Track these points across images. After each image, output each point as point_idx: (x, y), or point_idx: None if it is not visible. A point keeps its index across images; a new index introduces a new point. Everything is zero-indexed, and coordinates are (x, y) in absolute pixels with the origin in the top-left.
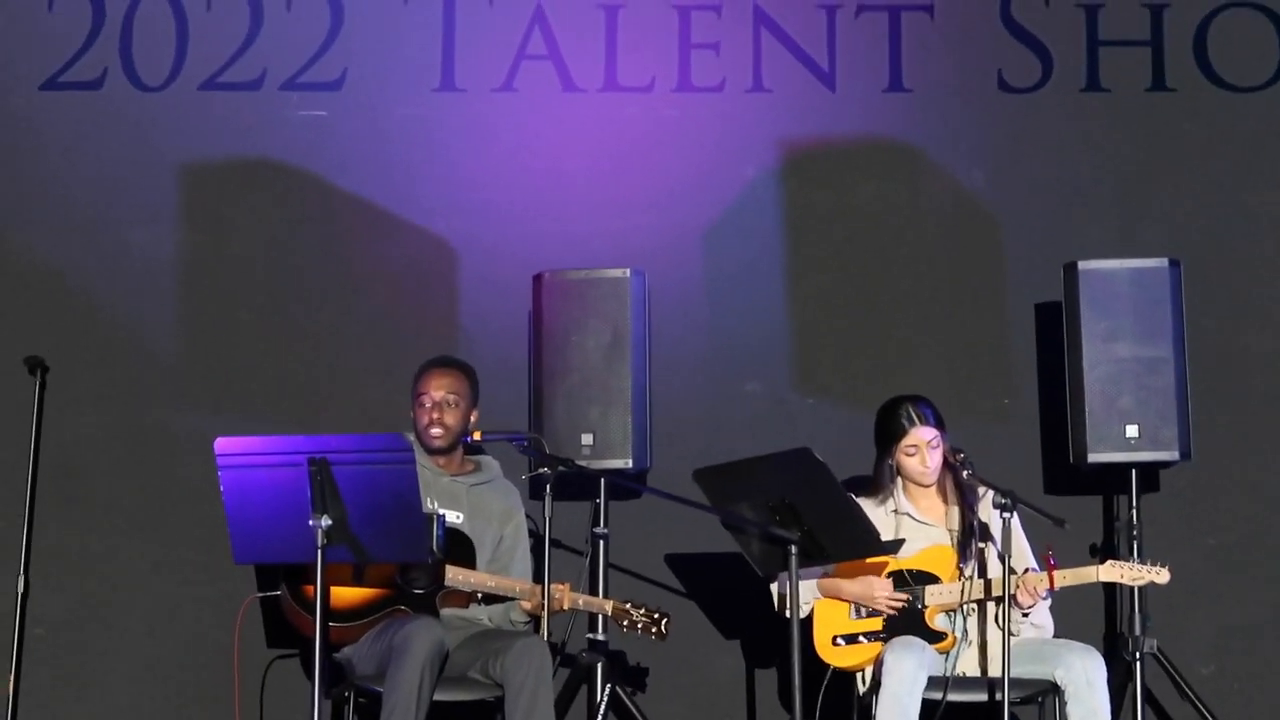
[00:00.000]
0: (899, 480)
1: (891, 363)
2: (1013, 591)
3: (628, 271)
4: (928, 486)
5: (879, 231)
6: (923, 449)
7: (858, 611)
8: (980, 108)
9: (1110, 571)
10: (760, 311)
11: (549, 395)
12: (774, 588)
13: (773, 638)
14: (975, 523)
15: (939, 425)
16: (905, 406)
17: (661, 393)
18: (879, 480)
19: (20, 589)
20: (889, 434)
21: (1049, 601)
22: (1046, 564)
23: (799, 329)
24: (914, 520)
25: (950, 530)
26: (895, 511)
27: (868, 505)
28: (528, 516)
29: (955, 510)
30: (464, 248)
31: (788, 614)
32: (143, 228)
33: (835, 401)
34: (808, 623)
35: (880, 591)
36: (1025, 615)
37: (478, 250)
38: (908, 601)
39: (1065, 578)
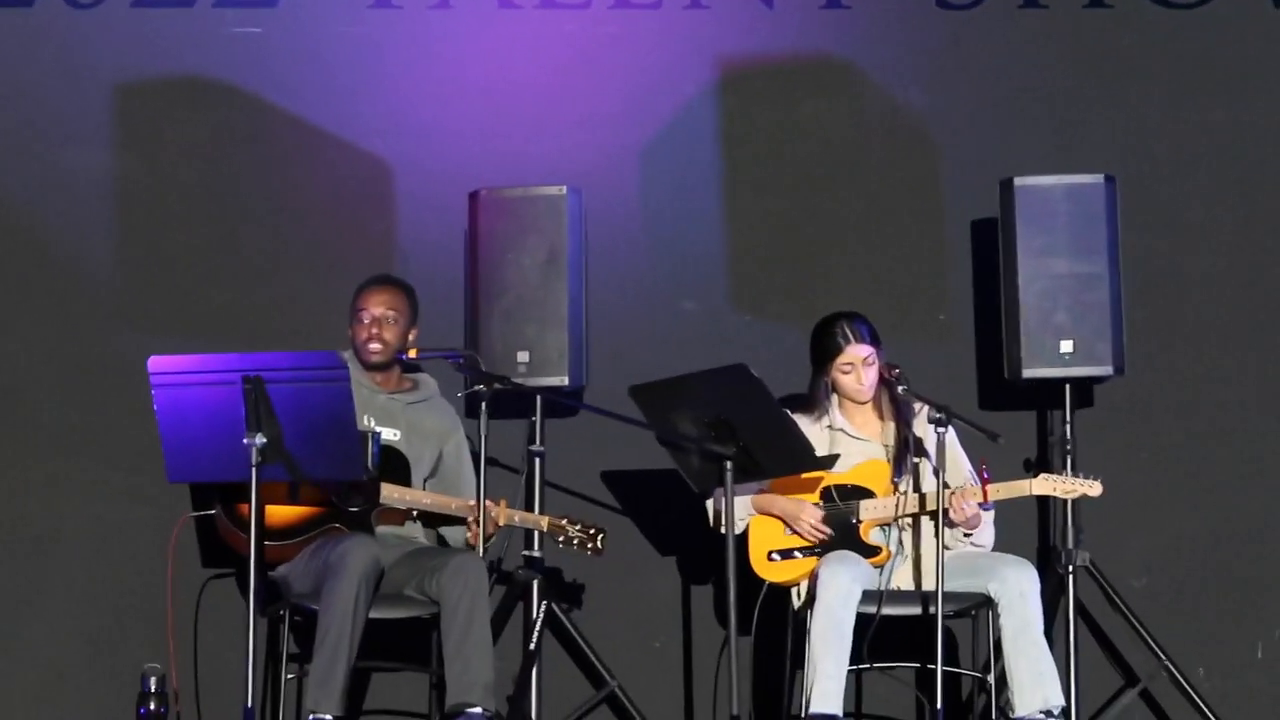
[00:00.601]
0: (834, 397)
1: (828, 280)
2: (946, 505)
3: (564, 189)
4: (864, 404)
5: (816, 149)
6: (858, 366)
7: (795, 529)
8: (918, 24)
9: (1043, 485)
10: (697, 229)
11: (485, 313)
12: (709, 504)
13: (708, 554)
14: (910, 438)
15: (874, 342)
16: (840, 324)
17: (598, 310)
18: (814, 397)
19: None
20: (824, 351)
21: (991, 514)
22: (980, 477)
23: (736, 247)
24: (849, 436)
25: (886, 445)
26: (830, 428)
27: (803, 422)
28: (468, 436)
29: (891, 426)
30: (400, 166)
31: (723, 530)
32: (75, 147)
33: (771, 319)
34: (743, 539)
35: (808, 517)
36: (967, 535)
37: (414, 168)
38: (829, 537)
39: (998, 491)
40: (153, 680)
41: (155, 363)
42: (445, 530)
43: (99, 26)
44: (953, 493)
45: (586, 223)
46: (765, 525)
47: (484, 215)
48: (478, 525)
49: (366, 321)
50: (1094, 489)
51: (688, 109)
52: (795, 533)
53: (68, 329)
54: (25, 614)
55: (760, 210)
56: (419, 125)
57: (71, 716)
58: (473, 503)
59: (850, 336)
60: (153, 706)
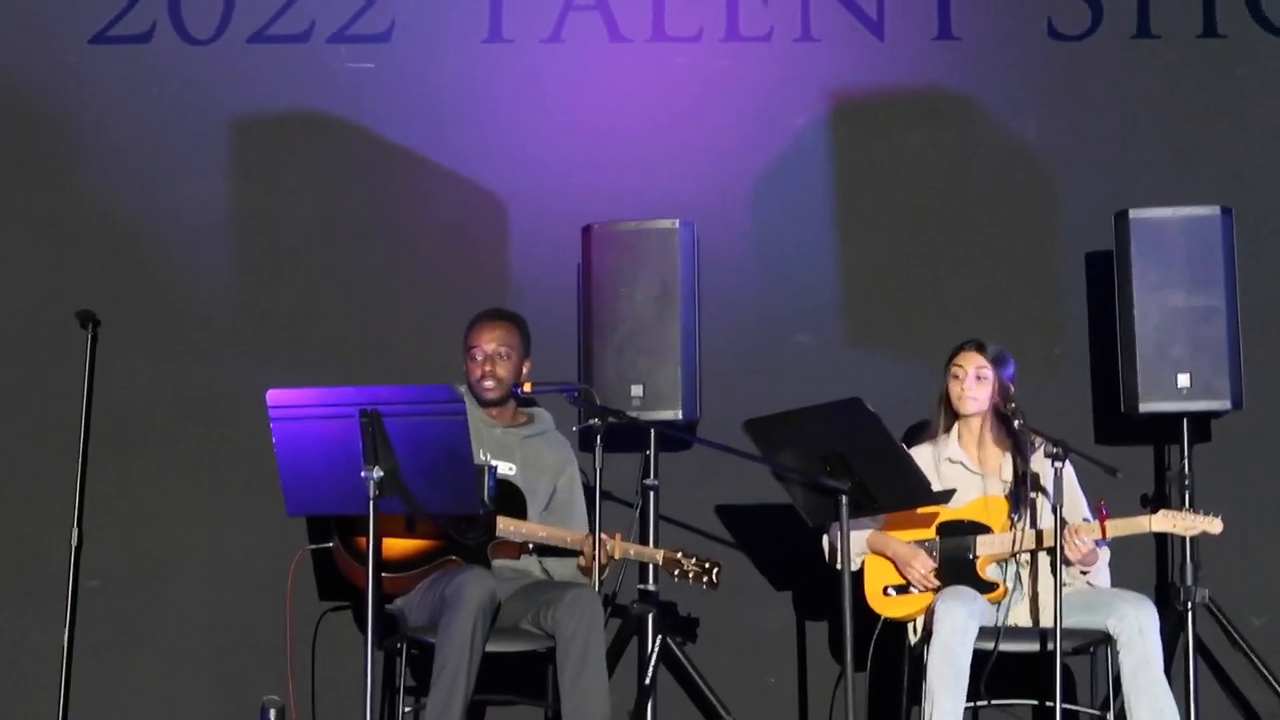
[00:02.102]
0: (954, 429)
1: (941, 313)
2: (1063, 541)
3: (677, 222)
4: (967, 417)
5: (929, 181)
6: (966, 372)
7: (905, 576)
8: (1030, 55)
9: (1163, 521)
10: (809, 262)
11: (598, 347)
12: (825, 539)
13: (823, 589)
14: (1027, 473)
15: (995, 363)
16: (973, 340)
17: (711, 344)
18: (934, 417)
19: (74, 542)
20: (949, 358)
21: (1107, 554)
22: (1099, 513)
23: (848, 279)
24: (967, 469)
25: (1004, 480)
26: (949, 460)
27: (922, 452)
28: (580, 470)
29: (1009, 460)
30: (513, 200)
31: (838, 565)
32: (193, 182)
33: (884, 352)
34: (859, 573)
35: (920, 565)
36: (1084, 573)
37: (527, 202)
38: (938, 588)
39: (1117, 528)
40: (272, 712)
41: (274, 396)
42: (550, 563)
43: (215, 62)
44: (1073, 529)
45: (699, 256)
46: (882, 560)
47: (597, 249)
48: (591, 557)
49: (480, 359)
50: (1214, 526)
51: (799, 141)
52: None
53: (186, 362)
54: (144, 645)
55: (873, 243)
56: (532, 159)
57: None
58: (587, 536)
59: (969, 345)
60: None
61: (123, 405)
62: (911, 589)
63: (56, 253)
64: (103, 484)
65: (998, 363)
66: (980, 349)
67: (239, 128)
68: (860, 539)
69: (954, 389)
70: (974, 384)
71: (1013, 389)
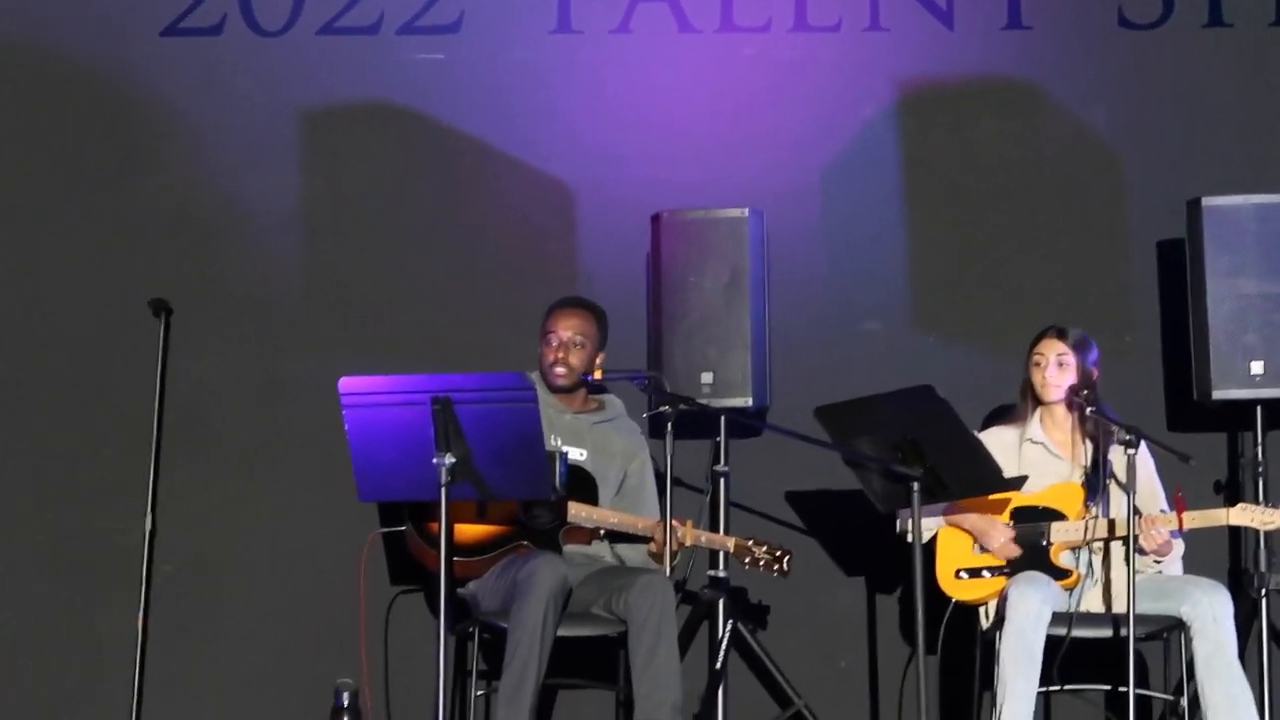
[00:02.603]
0: (1037, 411)
1: (1011, 301)
2: (1138, 531)
3: (746, 211)
4: (1050, 403)
5: (998, 170)
6: (1048, 359)
7: (982, 546)
8: (1100, 44)
9: (1240, 515)
10: (879, 250)
11: (668, 335)
12: (899, 517)
13: (894, 573)
14: (1103, 460)
15: (1077, 349)
16: (1055, 326)
17: (780, 332)
18: (1020, 403)
19: (148, 528)
20: (1030, 346)
21: (1181, 546)
22: (1176, 504)
23: (918, 267)
24: (1047, 451)
25: (1082, 467)
26: (1030, 440)
27: (1003, 431)
28: (651, 456)
29: (1087, 447)
30: (581, 190)
31: (909, 538)
32: (263, 172)
33: (954, 340)
34: (930, 555)
35: (999, 535)
36: (1157, 563)
37: (596, 192)
38: (1019, 557)
39: (1194, 519)
40: (345, 695)
41: (346, 384)
42: (622, 548)
43: (286, 53)
44: (1149, 520)
45: (768, 244)
46: (954, 543)
47: (666, 238)
48: (662, 543)
49: (554, 345)
50: None
51: (868, 130)
52: (984, 551)
53: (257, 351)
54: (218, 630)
55: (942, 231)
56: (600, 149)
57: None
58: (658, 522)
59: (1051, 332)
60: None
61: (195, 393)
62: (984, 573)
63: (130, 243)
64: (176, 471)
65: (1079, 348)
66: (1061, 335)
67: (309, 119)
68: (936, 514)
69: (1036, 377)
70: (1055, 371)
71: (1096, 374)
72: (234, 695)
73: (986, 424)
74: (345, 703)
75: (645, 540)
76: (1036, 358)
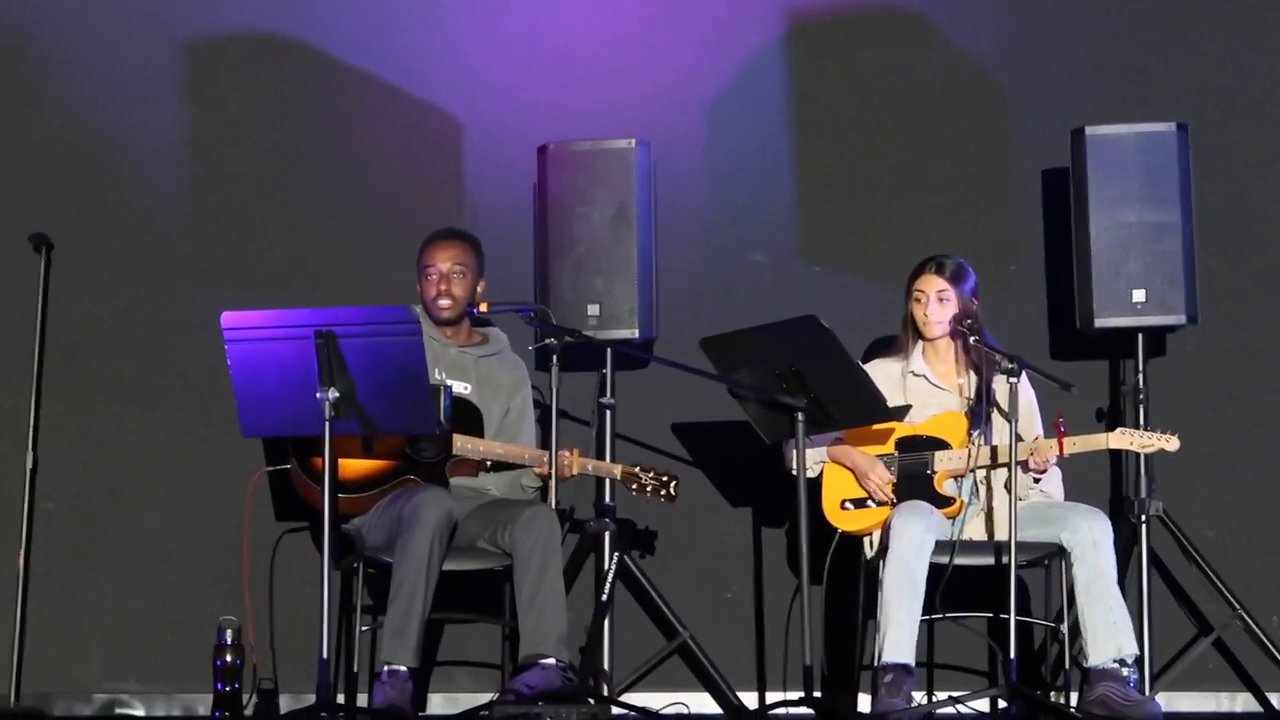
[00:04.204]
0: (919, 344)
1: (897, 231)
2: (1022, 458)
3: (633, 142)
4: (932, 340)
5: (885, 100)
6: (928, 296)
7: (862, 485)
8: None
9: (1120, 439)
10: (766, 182)
11: (555, 267)
12: (786, 449)
13: (780, 503)
14: (986, 389)
15: (954, 281)
16: (933, 258)
17: (667, 263)
18: (901, 336)
19: (29, 465)
20: (909, 281)
21: (1059, 472)
22: (1056, 431)
23: (804, 198)
24: (929, 383)
25: (965, 397)
26: (912, 373)
27: (885, 364)
28: (534, 388)
29: (970, 377)
30: (469, 121)
31: (795, 475)
32: (148, 105)
33: (841, 270)
34: (816, 487)
35: (876, 476)
36: (1036, 482)
37: (483, 124)
38: (892, 498)
39: (1075, 444)
40: (229, 632)
41: (229, 318)
42: (488, 478)
43: None
44: (1033, 449)
45: (655, 176)
46: (838, 474)
47: (553, 169)
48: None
49: (435, 278)
50: (1171, 444)
51: (755, 61)
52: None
53: (141, 285)
54: (101, 569)
55: (828, 162)
56: (488, 81)
57: (149, 669)
58: (542, 452)
59: (929, 268)
60: (229, 659)
61: (77, 329)
62: (868, 503)
63: (9, 176)
64: (58, 408)
65: (956, 280)
66: (939, 270)
67: (194, 50)
68: (820, 450)
69: (917, 313)
70: (936, 307)
71: (975, 304)
72: (117, 634)
73: (868, 356)
74: (228, 640)
75: (513, 468)
76: (916, 294)
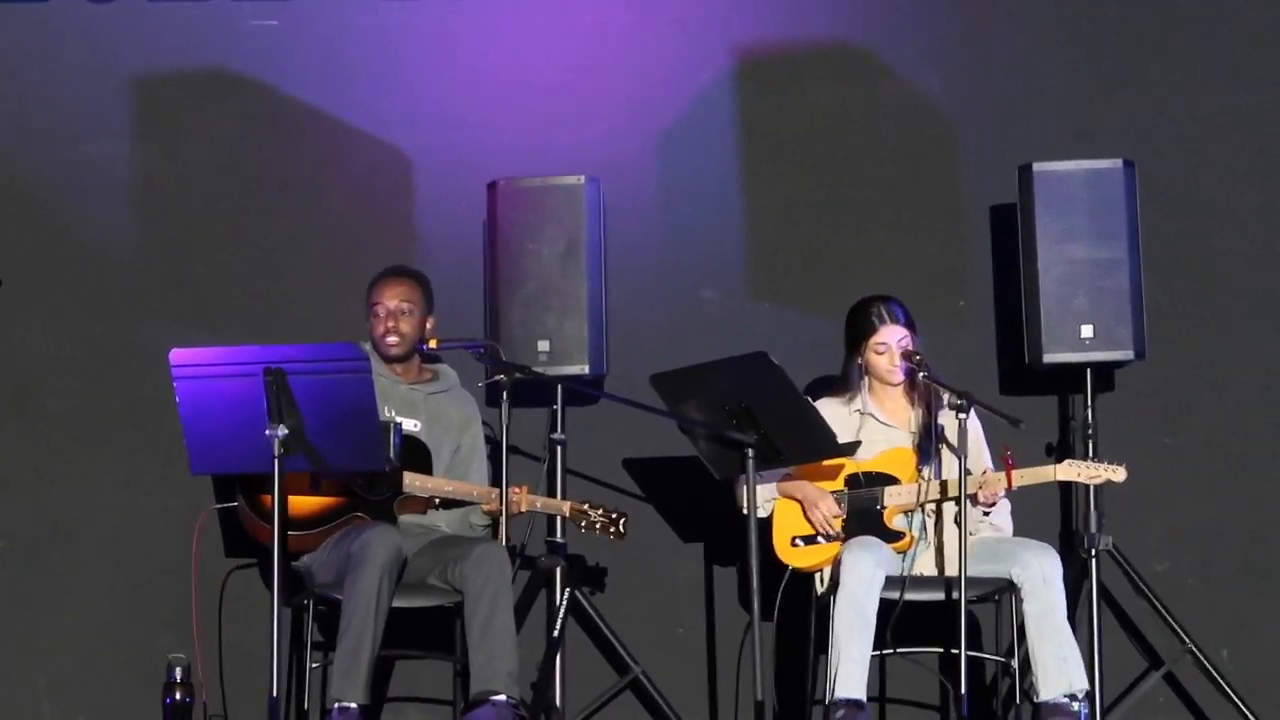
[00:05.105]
0: (866, 380)
1: (847, 267)
2: (971, 492)
3: (582, 179)
4: (895, 385)
5: (835, 136)
6: (892, 348)
7: (809, 518)
8: (935, 9)
9: (1067, 471)
10: (716, 218)
11: (505, 303)
12: (737, 487)
13: (732, 540)
14: (934, 425)
15: (909, 325)
16: (877, 306)
17: (618, 300)
18: (847, 379)
19: None
20: (859, 332)
21: (1008, 505)
22: (1004, 464)
23: (754, 234)
24: (877, 421)
25: (912, 433)
26: (860, 412)
27: (834, 404)
28: (485, 424)
29: (918, 413)
30: (419, 157)
31: (746, 514)
32: (96, 140)
33: (791, 306)
34: (767, 524)
35: (824, 509)
36: (986, 515)
37: (433, 159)
38: (840, 533)
39: (1023, 477)
40: (178, 670)
41: (177, 355)
42: (439, 515)
43: (116, 20)
44: (981, 483)
45: (605, 212)
46: (789, 511)
47: (503, 205)
48: (489, 502)
49: (382, 315)
50: (1118, 474)
51: (705, 97)
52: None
53: (89, 320)
54: (49, 605)
55: (778, 198)
56: (437, 116)
57: (97, 707)
58: (492, 490)
59: (885, 317)
60: (178, 696)
61: (25, 365)
62: (819, 539)
63: None
64: (6, 444)
65: (911, 324)
66: (894, 319)
67: (141, 86)
68: (770, 486)
69: (880, 365)
70: (899, 356)
71: (916, 340)
72: (66, 671)
73: (811, 394)
74: (178, 677)
75: (463, 505)
76: (877, 347)
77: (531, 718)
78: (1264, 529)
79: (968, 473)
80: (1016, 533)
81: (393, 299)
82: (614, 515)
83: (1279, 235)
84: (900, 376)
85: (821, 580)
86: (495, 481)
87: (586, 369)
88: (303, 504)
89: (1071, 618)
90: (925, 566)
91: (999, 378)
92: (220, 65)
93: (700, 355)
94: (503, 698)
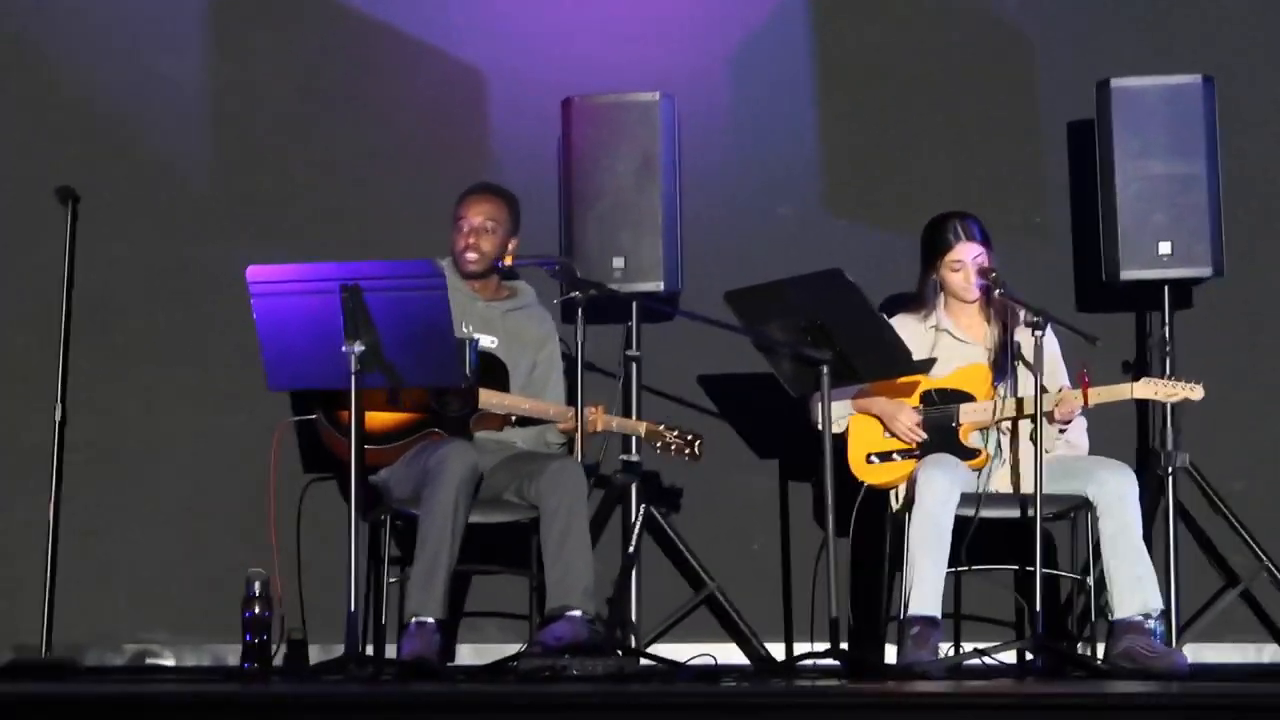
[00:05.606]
0: (942, 296)
1: (923, 184)
2: (1047, 409)
3: (657, 95)
4: (970, 302)
5: (910, 51)
6: (967, 264)
7: (891, 430)
8: None
9: (1145, 388)
10: (790, 134)
11: (580, 220)
12: (812, 404)
13: (806, 457)
14: (1010, 342)
15: (985, 242)
16: (953, 222)
17: (692, 216)
18: (923, 295)
19: (58, 416)
20: (935, 249)
21: (1084, 423)
22: (1081, 381)
23: (829, 151)
24: (953, 338)
25: (989, 349)
26: (936, 328)
27: (909, 321)
28: (560, 341)
29: (994, 329)
30: (493, 73)
31: (820, 426)
32: (172, 57)
33: (867, 223)
34: (842, 441)
35: (905, 419)
36: (1062, 432)
37: (507, 76)
38: (925, 440)
39: (1099, 395)
40: (257, 584)
41: (254, 272)
42: (515, 432)
43: None
44: (1057, 400)
45: (680, 128)
46: (864, 427)
47: (577, 122)
48: (574, 428)
49: (465, 230)
50: (1196, 393)
51: (780, 13)
52: (894, 435)
53: (165, 237)
54: (130, 521)
55: (854, 114)
56: (512, 32)
57: (178, 621)
58: (568, 409)
59: (961, 234)
60: (257, 610)
61: (104, 282)
62: (894, 456)
63: (35, 130)
64: (85, 359)
65: (987, 241)
66: (969, 235)
67: (216, 4)
68: (845, 401)
69: (956, 280)
70: (975, 273)
71: (992, 256)
72: (146, 585)
73: (886, 311)
74: (257, 591)
75: (542, 423)
76: (953, 264)
77: (607, 633)
78: None
79: (1044, 390)
80: (1092, 451)
81: (478, 215)
82: (689, 437)
83: None
84: (976, 293)
85: (897, 497)
86: (571, 399)
87: (661, 286)
88: (380, 419)
89: (1147, 536)
90: (1000, 484)
91: (1076, 295)
92: None
93: (775, 272)
94: (578, 613)
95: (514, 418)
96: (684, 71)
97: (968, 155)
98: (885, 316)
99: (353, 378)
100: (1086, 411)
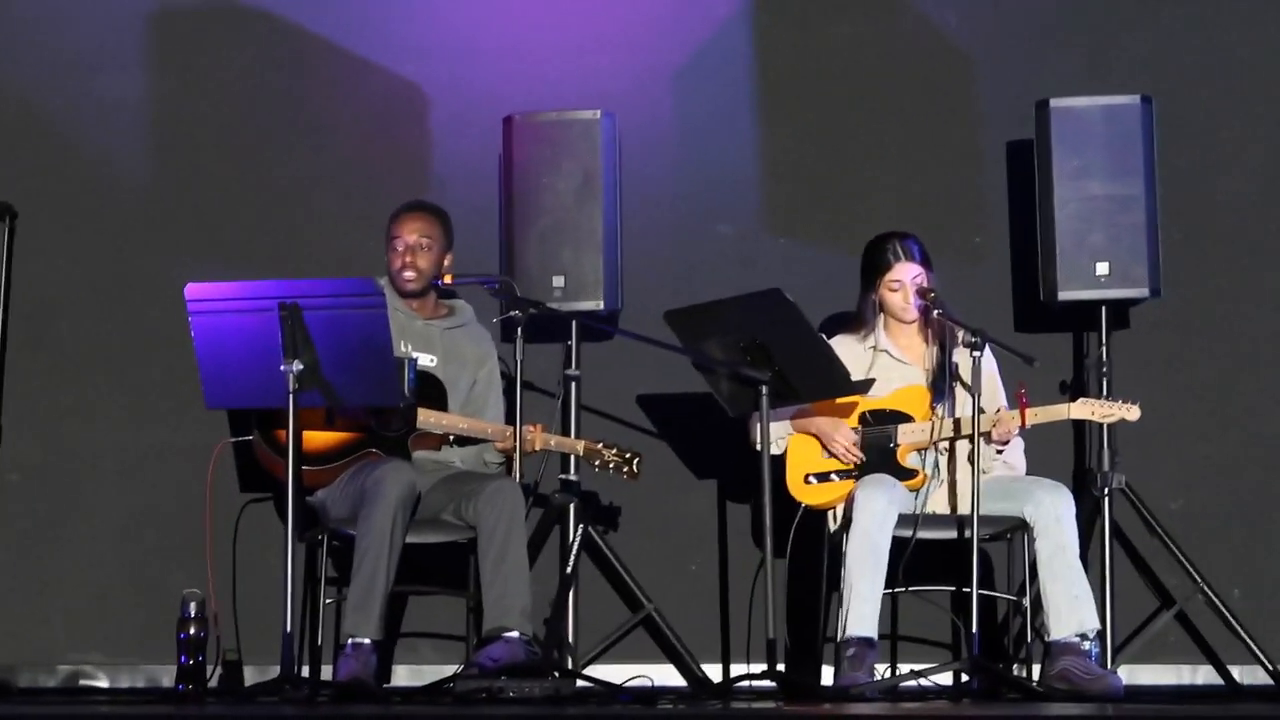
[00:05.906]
0: (881, 317)
1: (862, 203)
2: (984, 430)
3: (599, 113)
4: (909, 323)
5: (850, 71)
6: (906, 284)
7: (830, 450)
8: None
9: (1081, 409)
10: (731, 153)
11: (520, 238)
12: (751, 424)
13: (745, 477)
14: (948, 362)
15: (925, 263)
16: (893, 242)
17: (632, 235)
18: (862, 315)
19: None
20: (874, 268)
21: (1022, 443)
22: (1018, 402)
23: (770, 170)
24: (892, 358)
25: (927, 370)
26: (875, 348)
27: (848, 341)
28: (500, 359)
29: (933, 350)
30: (435, 91)
31: (759, 447)
32: (113, 73)
33: (806, 242)
34: (780, 461)
35: (843, 439)
36: (999, 453)
37: (448, 93)
38: (862, 460)
39: (1037, 415)
40: (192, 605)
41: (193, 290)
42: (455, 451)
43: None
44: (995, 421)
45: (621, 147)
46: (803, 448)
47: (518, 140)
48: (503, 441)
49: (401, 249)
50: (1132, 413)
51: (721, 30)
52: (832, 455)
53: (104, 254)
54: (65, 540)
55: (794, 133)
56: (453, 50)
57: (112, 642)
58: (506, 428)
59: (900, 254)
60: (193, 631)
61: (40, 298)
62: (832, 476)
63: None
64: (20, 377)
65: (927, 261)
66: (909, 256)
67: (157, 20)
68: (784, 425)
69: (895, 301)
70: (914, 293)
71: (931, 277)
72: (81, 605)
73: (825, 331)
74: (192, 612)
75: (480, 442)
76: (893, 284)
77: (544, 654)
78: (1276, 466)
79: (981, 410)
80: (1030, 471)
81: (412, 234)
82: (628, 455)
83: None
84: (915, 314)
85: (834, 518)
86: (510, 418)
87: (601, 305)
88: (317, 439)
89: (1084, 556)
90: (938, 504)
91: (1014, 315)
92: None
93: (715, 291)
94: (515, 634)
95: (452, 437)
96: (625, 89)
97: (908, 174)
98: (824, 336)
99: (291, 396)
100: (1024, 432)
